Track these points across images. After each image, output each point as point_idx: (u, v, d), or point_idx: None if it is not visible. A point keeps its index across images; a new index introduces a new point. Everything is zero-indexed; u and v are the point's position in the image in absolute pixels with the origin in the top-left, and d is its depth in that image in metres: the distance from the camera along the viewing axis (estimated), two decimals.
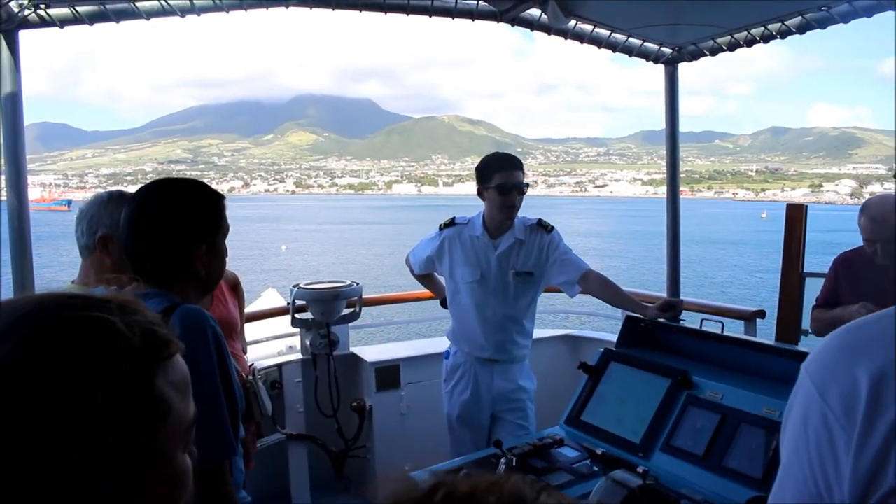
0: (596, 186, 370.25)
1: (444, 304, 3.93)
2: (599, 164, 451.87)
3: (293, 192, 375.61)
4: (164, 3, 3.11)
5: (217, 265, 1.99)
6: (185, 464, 0.83)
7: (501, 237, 3.60)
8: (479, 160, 3.67)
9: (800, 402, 0.95)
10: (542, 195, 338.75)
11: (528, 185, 3.60)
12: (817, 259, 4.34)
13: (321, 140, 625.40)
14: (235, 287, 3.61)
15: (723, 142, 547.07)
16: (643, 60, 4.18)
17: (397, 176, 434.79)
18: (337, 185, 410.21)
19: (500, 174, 3.50)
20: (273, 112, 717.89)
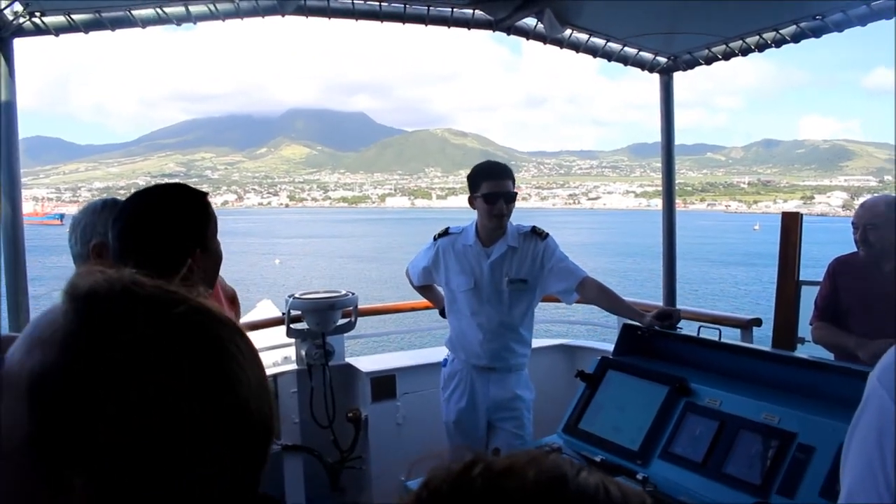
0: (589, 199, 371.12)
1: (442, 314, 3.92)
2: (592, 176, 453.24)
3: (287, 206, 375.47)
4: (159, 11, 3.11)
5: (212, 265, 1.98)
6: None
7: (494, 245, 3.60)
8: None
9: (872, 416, 0.90)
10: (535, 207, 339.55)
11: (516, 193, 3.60)
12: (806, 272, 4.37)
13: (314, 153, 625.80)
14: (233, 300, 3.58)
15: (715, 154, 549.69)
16: (634, 73, 4.20)
17: (391, 189, 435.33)
18: (330, 198, 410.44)
19: (487, 183, 3.51)
20: (266, 126, 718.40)
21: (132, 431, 0.65)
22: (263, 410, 0.76)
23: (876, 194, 3.82)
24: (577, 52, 3.95)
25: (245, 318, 4.45)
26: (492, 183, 3.51)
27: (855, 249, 3.60)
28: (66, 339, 0.67)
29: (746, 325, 4.02)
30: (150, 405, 0.66)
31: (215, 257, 2.01)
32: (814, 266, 4.70)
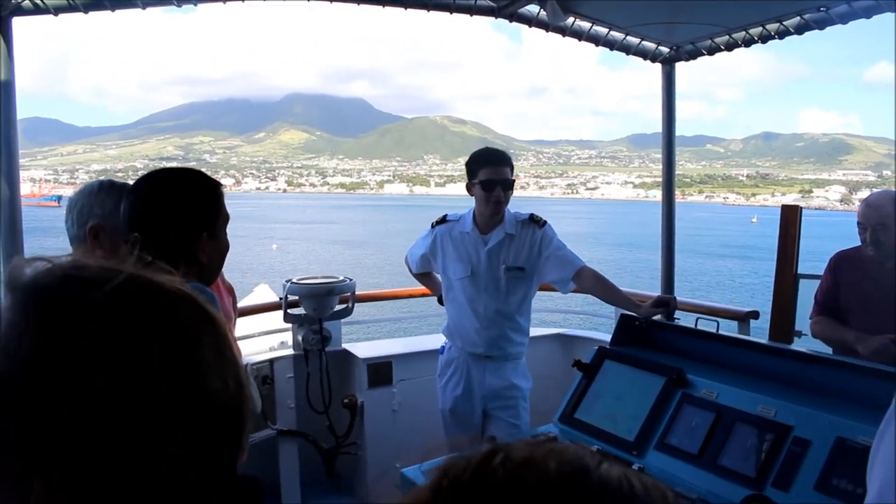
0: (588, 189, 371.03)
1: (441, 302, 3.92)
2: (591, 166, 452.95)
3: (284, 191, 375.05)
4: None
5: (218, 253, 2.00)
6: None
7: (491, 232, 3.59)
8: None
9: None
10: (533, 196, 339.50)
11: (514, 181, 3.60)
12: (802, 265, 4.36)
13: (313, 139, 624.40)
14: (230, 292, 3.56)
15: (714, 146, 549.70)
16: (634, 63, 4.18)
17: (389, 176, 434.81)
18: (329, 184, 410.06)
19: (485, 170, 3.51)
20: (264, 110, 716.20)
21: (101, 417, 0.64)
22: (233, 387, 0.74)
23: (876, 190, 3.79)
24: (580, 40, 3.92)
25: (242, 303, 4.43)
26: (490, 170, 3.50)
27: (855, 244, 3.58)
28: (17, 338, 0.65)
29: (744, 318, 4.03)
30: (118, 389, 0.64)
31: (222, 247, 2.02)
32: (811, 260, 4.70)
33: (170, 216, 1.93)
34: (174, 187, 1.98)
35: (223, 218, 2.02)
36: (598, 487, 0.56)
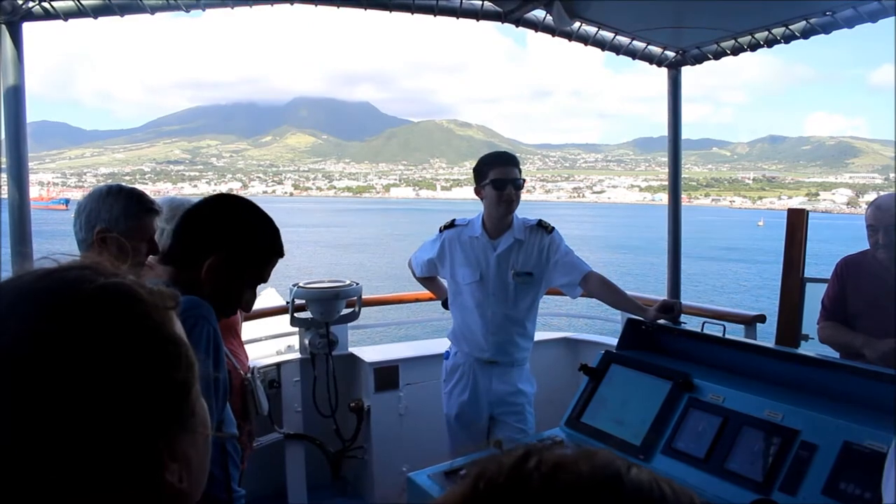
0: (594, 192, 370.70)
1: (445, 306, 3.92)
2: (597, 170, 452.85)
3: (291, 195, 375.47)
4: None
5: (225, 285, 1.95)
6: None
7: (500, 237, 3.59)
8: None
9: None
10: (540, 200, 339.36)
11: (523, 181, 3.59)
12: (808, 269, 4.35)
13: (320, 143, 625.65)
14: None
15: (720, 149, 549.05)
16: (639, 66, 4.19)
17: (395, 179, 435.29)
18: (335, 187, 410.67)
19: (496, 170, 3.51)
20: (271, 114, 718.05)
21: (98, 416, 0.64)
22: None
23: (883, 193, 3.76)
24: (586, 45, 3.93)
25: None
26: (500, 170, 3.51)
27: (861, 247, 3.56)
28: (12, 337, 0.66)
29: (750, 322, 4.02)
30: (116, 389, 0.66)
31: (234, 283, 1.98)
32: (817, 263, 4.68)
33: (197, 224, 1.95)
34: (223, 208, 1.99)
35: (257, 272, 2.01)
36: (631, 491, 0.57)
